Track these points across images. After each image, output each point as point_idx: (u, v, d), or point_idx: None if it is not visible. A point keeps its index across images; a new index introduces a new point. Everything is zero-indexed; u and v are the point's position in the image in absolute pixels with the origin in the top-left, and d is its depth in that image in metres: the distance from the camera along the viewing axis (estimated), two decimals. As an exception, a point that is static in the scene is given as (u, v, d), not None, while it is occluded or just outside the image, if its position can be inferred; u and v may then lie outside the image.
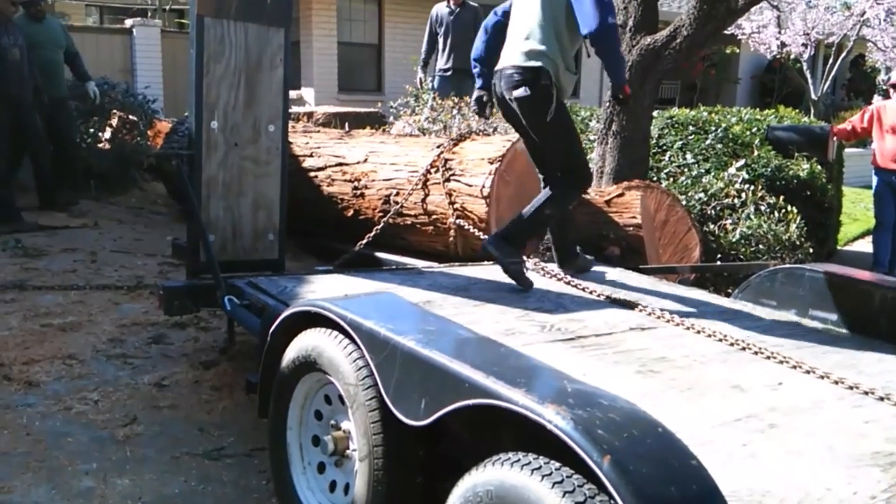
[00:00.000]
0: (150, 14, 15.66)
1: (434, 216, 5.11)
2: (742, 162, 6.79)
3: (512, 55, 4.13)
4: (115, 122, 8.56)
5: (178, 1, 18.11)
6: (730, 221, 6.28)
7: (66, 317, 4.71)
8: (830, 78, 16.15)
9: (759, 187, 6.42)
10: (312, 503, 2.65)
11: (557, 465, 1.74)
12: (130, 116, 8.56)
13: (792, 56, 16.52)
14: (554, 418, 1.70)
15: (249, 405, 3.53)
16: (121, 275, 5.65)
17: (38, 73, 7.21)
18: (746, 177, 6.56)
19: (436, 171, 5.13)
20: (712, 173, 6.53)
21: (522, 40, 4.10)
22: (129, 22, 12.47)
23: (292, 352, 2.69)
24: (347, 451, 2.50)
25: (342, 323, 2.45)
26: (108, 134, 8.55)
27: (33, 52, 7.13)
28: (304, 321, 2.69)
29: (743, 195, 6.31)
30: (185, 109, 6.13)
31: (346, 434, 2.51)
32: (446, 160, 5.15)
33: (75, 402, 3.70)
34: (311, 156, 5.97)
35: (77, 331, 4.53)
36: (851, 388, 2.71)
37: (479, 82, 4.58)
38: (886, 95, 10.32)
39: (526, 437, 1.84)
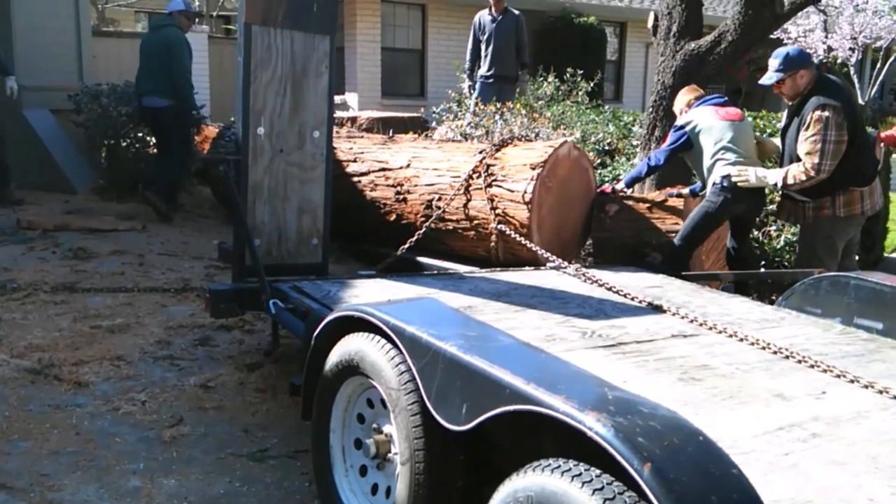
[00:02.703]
0: (197, 20, 15.89)
1: (476, 221, 5.13)
2: (787, 168, 6.70)
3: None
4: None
5: (224, 7, 18.37)
6: (774, 228, 6.20)
7: (115, 318, 4.82)
8: (878, 82, 15.88)
9: (805, 194, 6.33)
10: (354, 505, 2.69)
11: (598, 471, 1.75)
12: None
13: (839, 60, 16.27)
14: (595, 425, 1.71)
15: (293, 407, 3.60)
16: (168, 277, 5.76)
17: None
18: (792, 183, 6.47)
19: (478, 177, 5.15)
20: (757, 179, 6.46)
21: (752, 156, 5.04)
22: (176, 28, 12.66)
23: (335, 356, 2.73)
24: (389, 455, 2.53)
25: (385, 328, 2.48)
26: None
27: None
28: (347, 325, 2.73)
29: (788, 202, 6.22)
30: (232, 115, 6.24)
31: (388, 438, 2.54)
32: (488, 165, 5.16)
33: (123, 402, 3.79)
34: (354, 161, 6.03)
35: (125, 332, 4.64)
36: (896, 398, 2.67)
37: (630, 178, 5.47)
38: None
39: (566, 443, 1.85)
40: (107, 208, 7.86)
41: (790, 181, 4.78)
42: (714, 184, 4.94)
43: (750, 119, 5.23)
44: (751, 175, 4.90)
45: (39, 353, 4.24)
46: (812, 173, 4.66)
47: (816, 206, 4.87)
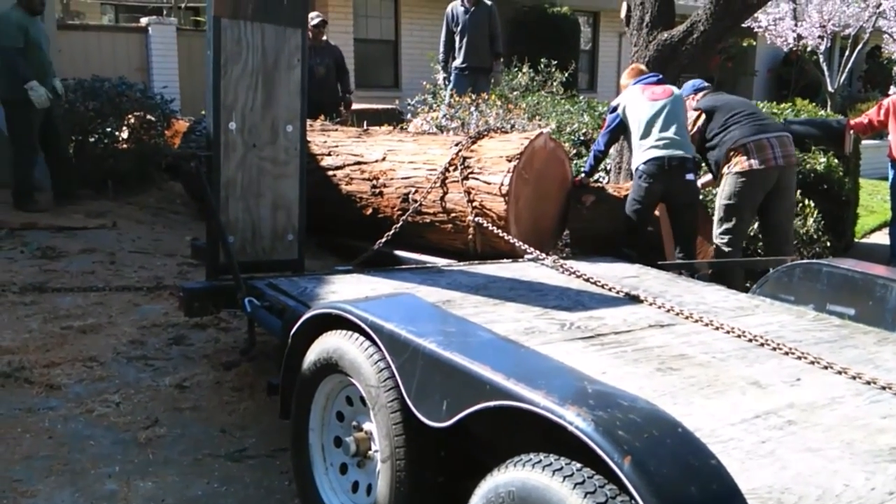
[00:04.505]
0: (165, 12, 15.72)
1: (453, 214, 5.12)
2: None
3: (677, 145, 4.98)
4: (133, 121, 8.60)
5: (193, -1, 18.17)
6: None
7: (86, 319, 4.74)
8: (847, 70, 16.04)
9: (777, 181, 6.39)
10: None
11: (579, 465, 1.75)
12: (148, 116, 8.60)
13: (808, 48, 16.41)
14: (575, 420, 1.71)
15: (271, 406, 3.56)
16: (140, 276, 5.68)
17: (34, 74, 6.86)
18: (764, 171, 6.52)
19: (454, 169, 5.13)
20: (729, 167, 6.51)
21: (674, 136, 4.97)
22: (144, 20, 12.53)
23: (313, 354, 2.71)
24: (370, 452, 2.52)
25: (363, 325, 2.46)
26: (125, 134, 8.60)
27: (34, 53, 6.89)
28: (325, 323, 2.71)
29: (760, 189, 6.27)
30: (202, 108, 6.17)
31: (367, 435, 2.53)
32: (465, 158, 5.15)
33: (97, 404, 3.73)
34: (329, 155, 5.99)
35: (97, 333, 4.57)
36: (869, 383, 2.70)
37: (588, 168, 5.52)
38: (901, 87, 10.22)
39: (548, 438, 1.85)
40: (76, 206, 7.73)
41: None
42: (636, 169, 5.05)
43: (680, 93, 5.25)
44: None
45: (9, 355, 4.15)
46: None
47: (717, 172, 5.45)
